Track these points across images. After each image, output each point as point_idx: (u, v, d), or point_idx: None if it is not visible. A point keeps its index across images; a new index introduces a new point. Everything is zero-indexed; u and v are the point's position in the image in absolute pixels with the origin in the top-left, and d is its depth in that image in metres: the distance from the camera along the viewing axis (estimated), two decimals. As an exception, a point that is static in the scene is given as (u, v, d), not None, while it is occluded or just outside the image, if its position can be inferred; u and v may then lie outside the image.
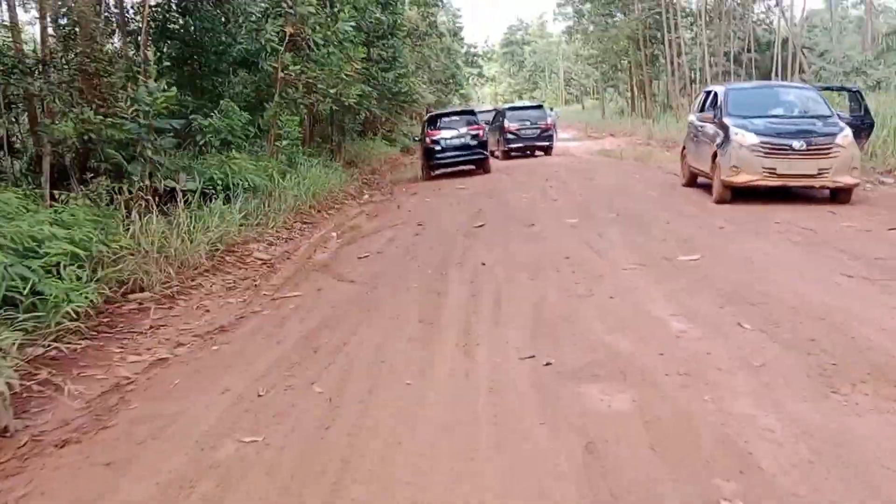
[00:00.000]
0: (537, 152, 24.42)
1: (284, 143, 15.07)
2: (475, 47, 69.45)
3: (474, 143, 18.68)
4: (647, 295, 5.79)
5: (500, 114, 25.15)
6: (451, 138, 18.65)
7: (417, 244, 9.58)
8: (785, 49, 38.88)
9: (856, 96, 11.80)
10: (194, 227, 9.41)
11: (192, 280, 8.23)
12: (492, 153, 26.16)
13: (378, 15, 19.67)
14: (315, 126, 21.90)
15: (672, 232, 8.41)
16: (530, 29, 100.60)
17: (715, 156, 10.34)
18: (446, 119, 19.15)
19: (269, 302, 7.21)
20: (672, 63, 35.80)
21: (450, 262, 8.01)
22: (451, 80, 54.66)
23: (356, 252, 9.54)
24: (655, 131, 29.38)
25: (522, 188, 14.75)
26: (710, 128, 10.98)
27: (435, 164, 18.82)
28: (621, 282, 6.30)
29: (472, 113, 19.60)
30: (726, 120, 10.36)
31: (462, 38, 65.54)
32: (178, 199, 9.82)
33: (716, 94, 11.43)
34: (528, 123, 23.73)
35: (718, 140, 10.33)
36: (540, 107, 24.80)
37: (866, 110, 11.41)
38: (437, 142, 18.63)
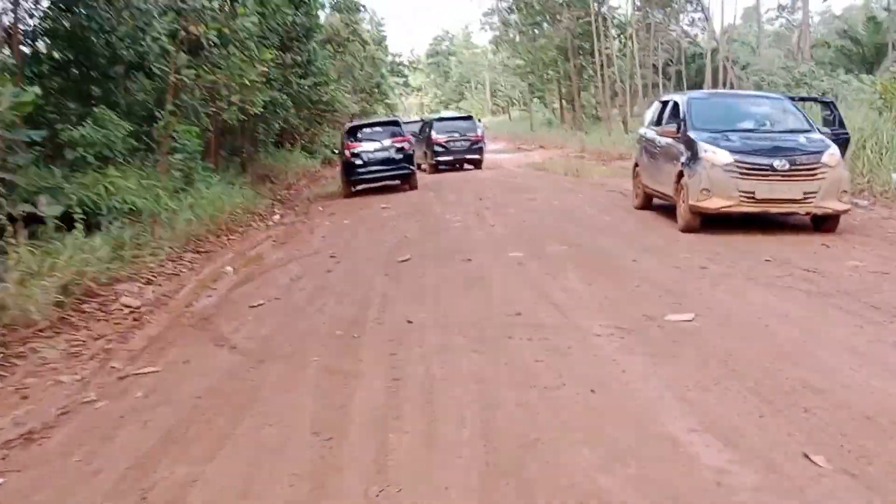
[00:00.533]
0: (467, 166, 22.76)
1: (179, 157, 12.90)
2: (400, 56, 67.76)
3: (399, 156, 16.85)
4: (644, 388, 4.01)
5: (427, 125, 23.41)
6: (373, 151, 16.77)
7: (327, 287, 7.65)
8: (714, 60, 38.53)
9: (829, 107, 10.42)
10: (41, 267, 7.31)
11: (24, 343, 6.14)
12: (419, 167, 24.42)
13: (292, 16, 17.63)
14: (224, 137, 19.68)
15: (644, 275, 6.72)
16: (455, 40, 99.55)
17: (680, 176, 8.76)
18: (368, 130, 17.26)
19: (114, 383, 5.17)
20: (601, 74, 34.83)
21: (365, 318, 6.11)
22: (375, 90, 52.75)
23: (250, 296, 7.55)
24: (588, 143, 28.14)
25: (454, 208, 12.98)
26: (671, 143, 9.40)
27: (356, 179, 16.90)
28: (600, 360, 4.52)
29: (396, 124, 17.77)
30: (692, 134, 8.79)
31: (387, 47, 63.78)
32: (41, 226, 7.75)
33: (676, 105, 9.87)
34: (457, 135, 22.04)
35: (683, 158, 8.75)
36: (470, 118, 23.19)
37: (841, 123, 10.02)
38: (357, 155, 16.73)
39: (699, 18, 45.01)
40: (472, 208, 12.63)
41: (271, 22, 15.47)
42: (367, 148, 16.78)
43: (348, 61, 46.85)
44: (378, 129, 17.22)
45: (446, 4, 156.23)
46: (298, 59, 20.43)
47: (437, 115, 23.53)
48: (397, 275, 7.82)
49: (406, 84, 73.77)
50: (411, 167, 17.08)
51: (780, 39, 64.94)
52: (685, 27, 44.55)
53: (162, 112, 12.43)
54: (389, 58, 64.55)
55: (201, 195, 12.74)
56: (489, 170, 22.27)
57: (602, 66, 34.70)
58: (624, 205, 11.64)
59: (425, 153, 22.58)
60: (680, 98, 10.05)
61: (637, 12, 37.65)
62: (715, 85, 40.60)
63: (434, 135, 21.88)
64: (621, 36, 39.30)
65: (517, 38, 45.98)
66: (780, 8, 53.65)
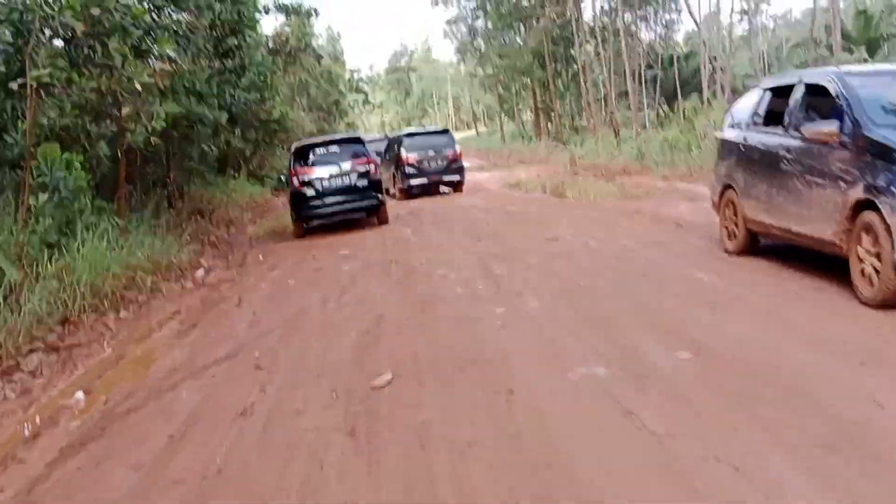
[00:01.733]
0: (443, 188, 18.94)
1: (45, 199, 8.85)
2: (359, 72, 63.95)
3: (363, 183, 12.96)
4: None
5: (395, 142, 19.53)
6: (330, 178, 12.86)
7: (229, 467, 3.73)
8: (696, 62, 35.40)
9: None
10: None
11: None
12: (386, 191, 20.53)
13: (217, 7, 13.62)
14: (143, 166, 15.61)
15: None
16: (415, 55, 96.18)
17: (859, 208, 4.95)
18: (322, 151, 13.29)
19: None
20: (583, 79, 31.28)
21: None
22: (334, 107, 48.82)
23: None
24: (579, 157, 24.47)
25: (445, 256, 9.10)
26: (824, 153, 5.56)
27: (308, 215, 12.97)
28: None
29: (358, 142, 13.76)
30: (880, 136, 5.01)
31: (344, 63, 59.92)
32: None
33: (812, 90, 6.11)
34: (431, 153, 18.21)
35: (868, 178, 4.94)
36: (446, 132, 19.34)
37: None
38: (309, 184, 12.80)
39: (673, 20, 42.14)
40: (473, 256, 8.77)
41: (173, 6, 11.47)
42: (322, 174, 12.86)
43: (302, 77, 42.96)
44: (335, 148, 13.26)
45: (404, 20, 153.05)
46: (229, 62, 16.41)
47: (406, 131, 19.72)
48: (370, 432, 3.90)
49: (367, 101, 70.12)
50: (379, 196, 13.19)
51: (745, 43, 62.52)
52: (659, 30, 41.47)
53: (14, 136, 8.42)
54: (347, 74, 60.82)
55: (84, 252, 8.73)
56: (472, 193, 18.46)
57: (583, 69, 31.18)
58: (704, 247, 7.82)
59: (394, 176, 18.71)
60: (818, 75, 6.30)
61: (605, 18, 34.34)
62: (700, 90, 37.54)
63: (404, 153, 18.02)
64: (598, 40, 35.89)
65: (483, 48, 42.47)
66: (743, 12, 50.87)
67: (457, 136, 57.34)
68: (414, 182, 18.04)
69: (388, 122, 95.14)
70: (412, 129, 21.17)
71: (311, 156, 13.12)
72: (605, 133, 29.87)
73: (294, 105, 39.19)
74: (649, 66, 37.64)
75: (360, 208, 13.10)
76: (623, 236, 8.91)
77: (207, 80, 14.79)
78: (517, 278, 7.14)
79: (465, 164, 18.55)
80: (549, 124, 40.59)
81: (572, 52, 38.10)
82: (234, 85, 16.78)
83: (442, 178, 18.37)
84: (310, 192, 12.77)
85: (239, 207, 19.59)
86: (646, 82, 37.46)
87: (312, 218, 12.98)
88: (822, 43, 37.73)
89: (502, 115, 49.27)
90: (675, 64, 38.01)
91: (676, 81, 36.74)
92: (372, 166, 13.07)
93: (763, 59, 48.44)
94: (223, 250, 13.19)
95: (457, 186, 18.77)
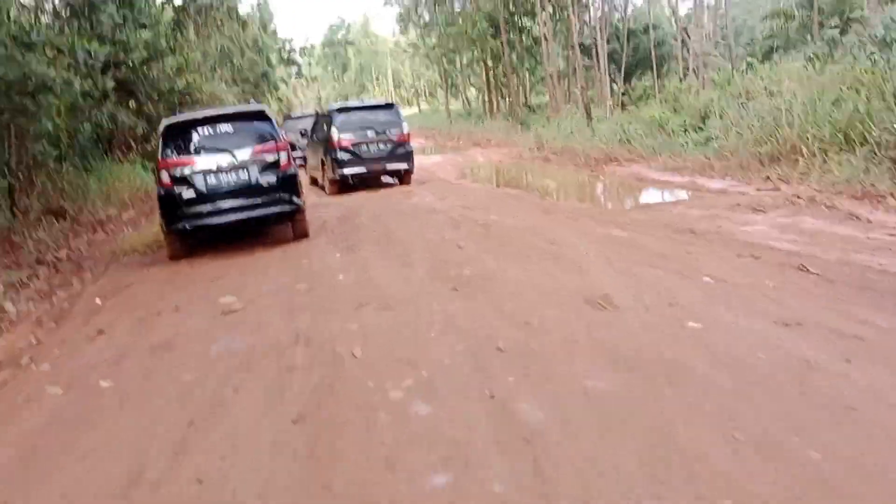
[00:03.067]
0: (387, 177, 14.67)
1: None
2: (291, 41, 58.44)
3: (270, 179, 8.56)
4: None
5: (324, 118, 15.03)
6: (218, 171, 8.43)
7: None
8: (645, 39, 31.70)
9: None
10: None
11: None
12: (313, 181, 16.05)
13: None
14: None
15: None
16: (353, 28, 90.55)
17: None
18: (207, 131, 8.71)
19: None
20: (545, 51, 27.02)
21: None
22: (263, 80, 43.61)
23: None
24: (548, 139, 20.39)
25: (398, 338, 4.80)
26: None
27: (185, 227, 8.47)
28: None
29: (261, 117, 9.16)
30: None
31: (275, 33, 54.44)
32: None
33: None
34: (371, 134, 13.82)
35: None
36: (391, 106, 14.80)
37: None
38: (186, 181, 8.35)
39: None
40: (457, 342, 4.48)
41: None
42: (207, 165, 8.41)
43: (224, 45, 37.65)
44: (226, 128, 8.68)
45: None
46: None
47: (340, 104, 15.24)
48: None
49: (300, 73, 64.47)
50: (295, 199, 8.79)
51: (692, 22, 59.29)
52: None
53: None
54: (278, 44, 55.23)
55: None
56: (423, 186, 14.18)
57: (544, 38, 26.97)
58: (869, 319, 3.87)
59: (322, 163, 14.27)
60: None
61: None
62: (660, 67, 33.86)
63: (335, 134, 13.56)
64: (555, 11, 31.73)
65: (427, 17, 37.96)
66: None
67: (398, 113, 52.65)
68: (349, 171, 13.62)
69: (326, 98, 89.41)
70: (347, 103, 16.68)
71: (190, 139, 8.60)
72: (569, 112, 25.86)
73: (213, 75, 34.06)
74: (607, 41, 33.60)
75: (265, 216, 8.69)
76: (736, 302, 4.75)
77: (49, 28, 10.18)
78: (582, 453, 2.95)
79: (412, 144, 14.39)
80: (500, 102, 36.43)
81: (526, 21, 33.99)
82: (100, 39, 12.08)
83: (385, 167, 14.01)
84: (187, 192, 8.31)
85: (122, 203, 14.92)
86: (597, 58, 33.49)
87: (192, 231, 8.51)
88: (793, 17, 34.40)
89: (448, 91, 44.80)
90: (629, 40, 33.99)
91: (646, 55, 33.02)
92: (283, 154, 8.65)
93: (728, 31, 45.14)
94: (63, 278, 8.72)
95: (404, 177, 14.45)
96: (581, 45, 32.95)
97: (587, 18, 34.96)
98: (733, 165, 11.91)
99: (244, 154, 8.49)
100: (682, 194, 10.50)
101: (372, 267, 6.95)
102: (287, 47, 58.54)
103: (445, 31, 30.92)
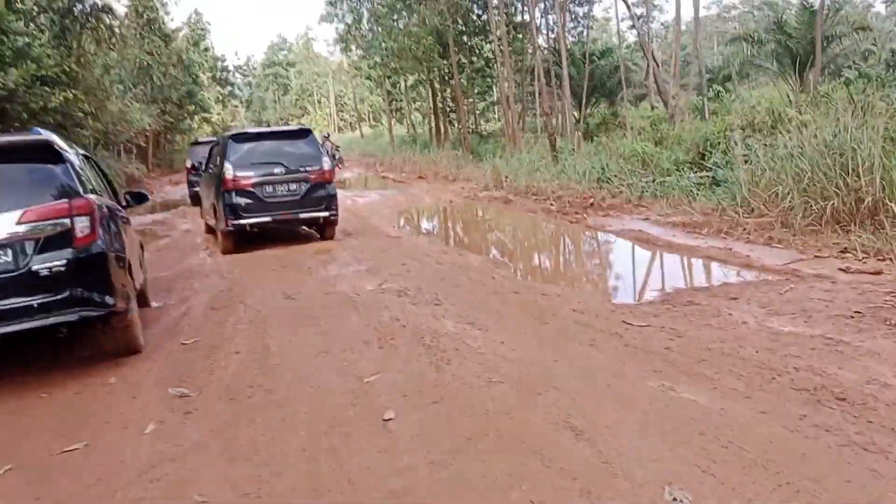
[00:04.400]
0: (304, 228, 10.97)
1: None
2: (223, 60, 54.15)
3: (43, 268, 4.73)
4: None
5: (219, 147, 11.17)
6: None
7: None
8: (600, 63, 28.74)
9: None
10: None
11: None
12: (209, 230, 12.16)
13: None
14: None
15: None
16: (294, 48, 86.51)
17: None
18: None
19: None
20: (500, 73, 23.57)
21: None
22: (186, 100, 39.25)
23: None
24: (507, 174, 16.88)
25: None
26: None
27: None
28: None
29: (41, 152, 4.99)
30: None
31: (206, 50, 50.15)
32: None
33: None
34: (279, 171, 10.06)
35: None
36: (306, 133, 10.97)
37: None
38: None
39: (582, 15, 35.32)
40: None
41: None
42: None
43: (142, 58, 33.36)
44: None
45: (284, 11, 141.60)
46: None
47: (236, 131, 11.45)
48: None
49: (232, 95, 59.99)
50: (109, 300, 4.98)
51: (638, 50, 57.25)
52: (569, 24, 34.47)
53: None
54: (209, 63, 50.87)
55: None
56: (349, 239, 10.48)
57: (499, 60, 23.56)
58: None
59: (214, 208, 10.46)
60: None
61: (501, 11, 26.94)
62: (614, 94, 30.87)
63: (229, 171, 9.77)
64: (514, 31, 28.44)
65: (370, 34, 34.39)
66: (638, 18, 44.12)
67: (339, 138, 48.82)
68: (247, 220, 9.84)
69: (266, 121, 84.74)
70: (247, 129, 12.79)
71: None
72: (527, 142, 22.48)
73: (123, 94, 29.72)
74: (555, 63, 30.35)
75: (34, 332, 4.84)
76: None
77: None
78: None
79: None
80: (448, 128, 32.98)
81: (477, 40, 30.69)
82: None
83: (298, 215, 10.24)
84: None
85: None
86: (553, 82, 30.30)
87: None
88: (756, 39, 31.82)
89: (391, 115, 41.11)
90: (587, 64, 30.89)
91: (606, 80, 30.06)
92: (84, 222, 4.88)
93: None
94: None
95: (325, 228, 10.73)
96: (535, 69, 29.86)
97: (540, 41, 31.89)
98: (772, 223, 8.57)
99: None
100: (731, 275, 7.00)
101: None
102: (219, 66, 54.25)
103: (389, 47, 27.38)
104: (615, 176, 13.58)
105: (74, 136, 17.05)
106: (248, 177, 9.82)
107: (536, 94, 23.42)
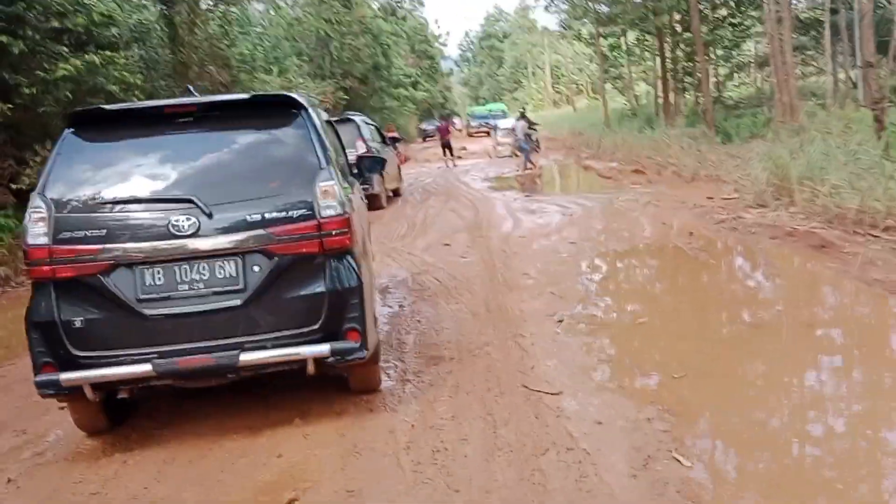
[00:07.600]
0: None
1: None
2: (426, 29, 48.61)
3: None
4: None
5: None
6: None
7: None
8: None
9: None
10: None
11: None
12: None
13: None
14: None
15: None
16: (510, 19, 79.95)
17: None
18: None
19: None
20: (769, 9, 14.70)
21: None
22: (371, 73, 33.73)
23: None
24: (798, 174, 8.71)
25: None
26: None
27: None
28: None
29: None
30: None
31: (405, 18, 44.89)
32: None
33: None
34: (183, 224, 3.32)
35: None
36: (288, 109, 3.75)
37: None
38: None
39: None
40: None
41: None
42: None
43: (318, 27, 28.44)
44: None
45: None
46: None
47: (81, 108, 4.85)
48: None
49: (433, 69, 54.22)
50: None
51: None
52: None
53: None
54: (410, 33, 45.65)
55: None
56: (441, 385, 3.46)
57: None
58: None
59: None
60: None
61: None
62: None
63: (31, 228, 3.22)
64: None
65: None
66: None
67: (550, 115, 40.72)
68: (84, 374, 3.21)
69: (481, 98, 79.29)
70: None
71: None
72: (809, 114, 13.65)
73: (286, 65, 24.88)
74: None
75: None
76: None
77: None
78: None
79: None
80: (679, 98, 24.34)
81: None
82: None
83: (230, 361, 3.40)
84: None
85: None
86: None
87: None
88: None
89: (602, 85, 32.66)
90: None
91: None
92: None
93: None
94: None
95: (353, 376, 3.81)
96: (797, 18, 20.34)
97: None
98: None
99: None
100: None
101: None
102: (428, 35, 48.82)
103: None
104: None
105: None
106: (86, 243, 3.17)
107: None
